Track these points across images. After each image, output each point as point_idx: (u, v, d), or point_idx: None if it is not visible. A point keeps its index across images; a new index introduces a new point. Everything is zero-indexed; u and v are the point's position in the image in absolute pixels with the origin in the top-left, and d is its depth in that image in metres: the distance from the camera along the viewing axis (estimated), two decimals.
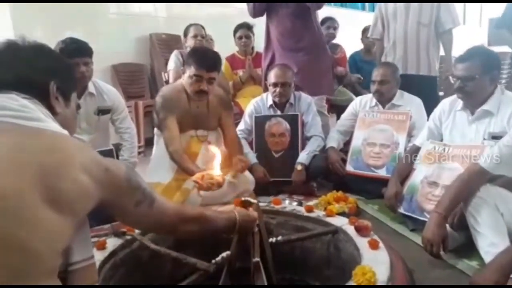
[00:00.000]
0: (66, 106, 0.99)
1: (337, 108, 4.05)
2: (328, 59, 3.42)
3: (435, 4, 3.10)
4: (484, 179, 1.76)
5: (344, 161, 2.86)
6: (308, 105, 3.00)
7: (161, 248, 1.51)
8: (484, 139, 2.05)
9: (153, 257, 1.56)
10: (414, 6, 3.12)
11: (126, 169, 0.94)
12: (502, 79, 5.45)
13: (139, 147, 3.53)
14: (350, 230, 1.57)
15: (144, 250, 1.56)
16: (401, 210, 2.24)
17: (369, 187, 2.69)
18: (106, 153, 2.23)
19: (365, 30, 4.22)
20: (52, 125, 0.88)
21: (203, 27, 3.60)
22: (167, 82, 3.78)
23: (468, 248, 1.81)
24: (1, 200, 0.73)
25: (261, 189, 2.70)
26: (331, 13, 4.55)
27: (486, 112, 2.05)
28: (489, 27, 7.88)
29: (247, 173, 2.57)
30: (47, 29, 3.86)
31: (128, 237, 1.56)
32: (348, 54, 4.49)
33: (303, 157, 2.83)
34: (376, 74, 2.83)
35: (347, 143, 2.99)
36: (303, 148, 2.90)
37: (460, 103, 2.18)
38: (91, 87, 2.54)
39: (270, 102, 3.00)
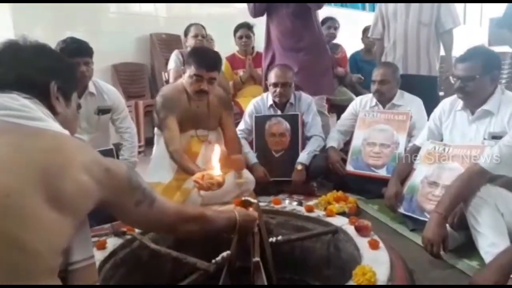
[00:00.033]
0: (67, 106, 0.99)
1: (337, 108, 4.05)
2: (328, 59, 3.43)
3: (436, 4, 3.10)
4: (484, 179, 1.76)
5: (344, 161, 2.86)
6: (308, 105, 3.00)
7: (161, 247, 1.51)
8: (484, 139, 2.05)
9: (153, 256, 1.56)
10: (414, 6, 3.12)
11: (126, 169, 0.94)
12: (502, 79, 5.45)
13: (139, 146, 3.53)
14: (350, 230, 1.57)
15: (144, 250, 1.56)
16: (401, 210, 2.24)
17: (369, 187, 2.69)
18: (106, 153, 2.23)
19: (365, 30, 4.22)
20: (53, 125, 0.88)
21: (203, 27, 3.60)
22: (167, 81, 3.79)
23: (468, 248, 1.81)
24: (3, 199, 0.73)
25: (261, 188, 2.70)
26: (331, 13, 4.55)
27: (486, 112, 2.05)
28: (490, 27, 7.88)
29: (247, 173, 2.57)
30: (47, 29, 3.87)
31: (128, 237, 1.56)
32: (348, 54, 4.49)
33: (303, 157, 2.83)
34: (376, 74, 2.83)
35: (347, 143, 2.99)
36: (303, 148, 2.90)
37: (460, 103, 2.18)
38: (91, 87, 2.54)
39: (270, 102, 3.00)
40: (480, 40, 6.52)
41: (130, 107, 3.77)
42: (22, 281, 0.74)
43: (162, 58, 4.50)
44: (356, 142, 2.87)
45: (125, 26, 4.56)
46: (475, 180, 1.76)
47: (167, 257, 1.51)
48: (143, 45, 4.68)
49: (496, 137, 1.96)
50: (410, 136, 2.69)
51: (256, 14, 3.30)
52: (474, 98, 2.07)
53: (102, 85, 2.64)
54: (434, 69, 3.23)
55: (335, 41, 4.32)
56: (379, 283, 1.19)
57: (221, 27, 4.40)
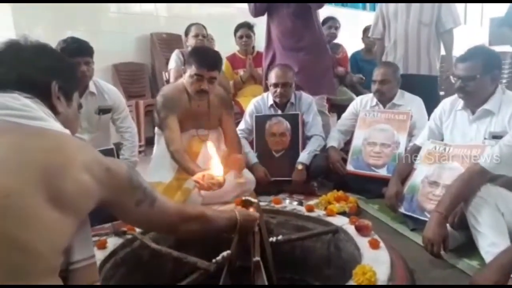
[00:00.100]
0: (68, 106, 0.99)
1: (337, 108, 4.05)
2: (328, 59, 3.43)
3: (436, 4, 3.10)
4: (485, 179, 1.76)
5: (344, 160, 2.86)
6: (309, 104, 3.00)
7: (161, 247, 1.52)
8: (485, 138, 2.04)
9: (153, 256, 1.56)
10: (415, 5, 3.12)
11: (127, 169, 0.95)
12: (503, 79, 5.44)
13: (140, 146, 3.54)
14: (351, 229, 1.57)
15: (144, 249, 1.56)
16: (402, 209, 2.24)
17: (369, 186, 2.69)
18: (107, 152, 2.23)
19: (366, 30, 4.22)
20: (54, 124, 0.88)
21: (204, 27, 3.60)
22: (167, 81, 3.79)
23: (469, 248, 1.81)
24: (3, 199, 0.73)
25: (262, 188, 2.70)
26: (331, 12, 4.55)
27: (487, 111, 2.05)
28: (490, 27, 7.86)
29: (247, 172, 2.58)
30: (48, 28, 3.87)
31: (129, 236, 1.57)
32: (349, 54, 4.49)
33: (304, 156, 2.83)
34: (377, 74, 2.83)
35: (348, 143, 2.99)
36: (303, 148, 2.90)
37: (460, 102, 2.18)
38: (92, 87, 2.54)
39: (270, 101, 3.00)
40: (480, 40, 6.51)
41: (130, 107, 3.78)
42: (22, 281, 0.74)
43: (162, 58, 4.50)
44: (356, 141, 2.87)
45: (126, 26, 4.56)
46: (475, 179, 1.76)
47: (168, 256, 1.51)
48: (144, 44, 4.68)
49: (496, 136, 1.96)
50: (410, 135, 2.69)
51: (256, 13, 3.30)
52: (475, 97, 2.07)
53: (103, 84, 2.64)
54: (435, 68, 3.22)
55: (335, 41, 4.32)
56: (379, 282, 1.19)
57: (222, 26, 4.40)
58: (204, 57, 2.33)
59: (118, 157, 2.55)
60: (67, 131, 0.91)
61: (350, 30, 4.95)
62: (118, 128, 2.72)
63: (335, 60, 4.06)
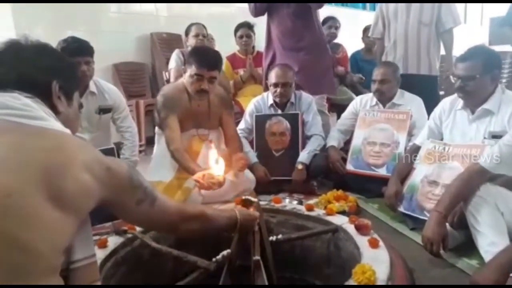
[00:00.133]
0: (69, 105, 0.99)
1: (337, 107, 4.05)
2: (329, 59, 3.43)
3: (436, 4, 3.10)
4: (484, 178, 1.76)
5: (344, 160, 2.86)
6: (309, 104, 3.01)
7: (162, 246, 1.52)
8: (485, 138, 2.05)
9: (154, 255, 1.57)
10: (415, 5, 3.12)
11: (127, 168, 0.95)
12: (502, 78, 5.45)
13: (140, 145, 3.54)
14: (350, 228, 1.57)
15: (145, 249, 1.56)
16: (401, 209, 2.24)
17: (369, 186, 2.69)
18: (107, 152, 2.24)
19: (366, 30, 4.22)
20: (55, 124, 0.89)
21: (204, 26, 3.61)
22: (168, 81, 3.79)
23: (468, 247, 1.81)
24: (4, 198, 0.73)
25: (262, 188, 2.71)
26: (332, 12, 4.55)
27: (486, 111, 2.05)
28: (490, 27, 7.86)
29: (247, 172, 2.58)
30: (48, 28, 3.88)
31: (129, 236, 1.57)
32: (349, 54, 4.49)
33: (304, 156, 2.84)
34: (377, 74, 2.83)
35: (348, 142, 2.99)
36: (303, 147, 2.90)
37: (460, 102, 2.18)
38: (92, 86, 2.55)
39: (270, 101, 3.00)
40: (480, 40, 6.51)
41: (131, 106, 3.78)
42: (22, 281, 0.74)
43: (162, 58, 4.51)
44: (356, 141, 2.87)
45: (126, 26, 4.57)
46: (475, 179, 1.77)
47: (168, 255, 1.51)
48: (144, 44, 4.69)
49: (496, 136, 1.96)
50: (410, 135, 2.70)
51: (256, 13, 3.31)
52: (475, 97, 2.07)
53: (103, 84, 2.65)
54: (435, 68, 3.23)
55: (335, 41, 4.32)
56: (379, 281, 1.19)
57: (222, 26, 4.40)
58: (204, 57, 2.33)
59: (118, 156, 2.55)
60: (68, 131, 0.91)
61: (350, 30, 4.96)
62: (118, 127, 2.73)
63: (335, 60, 4.06)
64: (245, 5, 3.39)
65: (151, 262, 1.59)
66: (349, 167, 2.83)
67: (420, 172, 2.21)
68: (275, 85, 2.90)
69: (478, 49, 2.10)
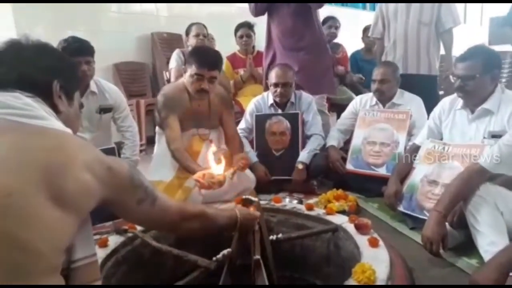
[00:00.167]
0: (69, 105, 0.99)
1: (337, 107, 4.05)
2: (329, 58, 3.43)
3: (436, 4, 3.10)
4: (484, 178, 1.76)
5: (344, 159, 2.86)
6: (309, 104, 3.01)
7: (162, 245, 1.52)
8: (484, 138, 2.05)
9: (154, 254, 1.57)
10: (415, 5, 3.12)
11: (128, 167, 0.95)
12: (502, 78, 5.45)
13: (141, 145, 3.54)
14: (350, 228, 1.57)
15: (145, 248, 1.57)
16: (401, 208, 2.24)
17: (369, 185, 2.70)
18: (108, 151, 2.24)
19: (365, 29, 4.22)
20: (55, 123, 0.89)
21: (205, 26, 3.61)
22: (168, 81, 3.80)
23: (468, 247, 1.81)
24: (5, 198, 0.73)
25: (262, 187, 2.71)
26: (332, 12, 4.55)
27: (486, 111, 2.05)
28: (490, 26, 7.86)
29: (248, 171, 2.58)
30: (48, 28, 3.88)
31: (130, 235, 1.57)
32: (349, 53, 4.49)
33: (304, 156, 2.84)
34: (377, 73, 2.84)
35: (348, 142, 3.00)
36: (303, 147, 2.91)
37: (460, 102, 2.18)
38: (93, 86, 2.55)
39: (271, 101, 3.01)
40: (480, 39, 6.52)
41: (131, 106, 3.78)
42: (23, 280, 0.74)
43: (163, 57, 4.51)
44: (356, 141, 2.88)
45: (126, 25, 4.57)
46: (475, 179, 1.77)
47: (169, 254, 1.52)
48: (144, 44, 4.69)
49: (496, 136, 1.96)
50: (410, 135, 2.70)
51: (257, 13, 3.31)
52: (474, 97, 2.07)
53: (104, 84, 2.65)
54: (434, 68, 3.23)
55: (335, 41, 4.32)
56: (378, 281, 1.19)
57: (222, 26, 4.40)
58: (205, 57, 2.33)
59: (119, 156, 2.56)
60: (69, 130, 0.91)
61: (350, 29, 4.96)
62: (119, 127, 2.73)
63: (335, 60, 4.06)
64: (245, 5, 3.39)
65: (151, 261, 1.59)
66: (349, 166, 2.83)
67: (420, 171, 2.22)
68: (275, 85, 2.90)
69: (477, 49, 2.11)
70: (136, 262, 1.56)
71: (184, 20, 3.94)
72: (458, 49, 2.68)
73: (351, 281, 1.18)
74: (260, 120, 2.97)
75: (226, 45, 4.04)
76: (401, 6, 3.17)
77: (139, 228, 1.57)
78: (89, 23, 4.21)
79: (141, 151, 3.37)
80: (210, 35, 3.88)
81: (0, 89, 0.87)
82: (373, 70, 2.91)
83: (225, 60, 3.66)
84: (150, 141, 3.41)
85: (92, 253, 0.91)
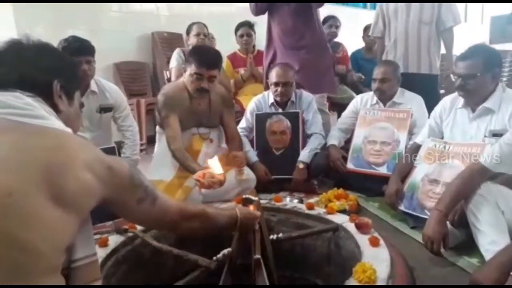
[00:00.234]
0: (70, 105, 0.99)
1: (338, 106, 4.05)
2: (329, 57, 3.43)
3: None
4: (485, 177, 1.76)
5: (345, 159, 2.86)
6: (309, 103, 3.01)
7: (163, 245, 1.52)
8: (485, 136, 2.04)
9: (155, 254, 1.57)
10: (415, 4, 3.11)
11: (128, 167, 0.95)
12: (503, 77, 5.44)
13: (141, 144, 3.55)
14: (351, 227, 1.57)
15: (146, 247, 1.57)
16: (402, 207, 2.24)
17: (369, 184, 2.70)
18: (108, 151, 2.24)
19: (366, 28, 4.22)
20: (56, 123, 0.89)
21: (205, 26, 3.61)
22: (169, 80, 3.80)
23: (469, 246, 1.81)
24: (5, 198, 0.73)
25: (262, 186, 2.71)
26: (332, 11, 4.55)
27: (487, 109, 2.05)
28: (491, 25, 7.86)
29: (248, 170, 2.58)
30: (49, 28, 3.88)
31: (130, 234, 1.57)
32: (349, 52, 4.49)
33: (305, 155, 2.84)
34: (377, 72, 2.83)
35: (348, 141, 2.99)
36: (303, 146, 2.91)
37: (461, 100, 2.18)
38: (93, 85, 2.55)
39: (271, 100, 3.01)
40: (481, 38, 6.51)
41: (132, 105, 3.78)
42: (23, 280, 0.74)
43: (163, 57, 4.52)
44: (356, 140, 2.87)
45: (127, 25, 4.57)
46: (475, 178, 1.77)
47: (169, 254, 1.52)
48: (145, 43, 4.69)
49: (496, 135, 1.96)
50: (410, 134, 2.69)
51: (257, 12, 3.31)
52: (475, 96, 2.07)
53: (104, 83, 2.65)
54: (435, 67, 3.22)
55: (336, 40, 4.32)
56: (379, 280, 1.19)
57: (222, 25, 4.40)
58: (204, 56, 2.33)
59: (119, 155, 2.55)
60: (69, 130, 0.91)
61: (351, 28, 4.96)
62: (119, 126, 2.73)
63: (336, 59, 4.06)
64: (246, 4, 3.39)
65: (151, 261, 1.59)
66: (350, 165, 2.83)
67: (421, 170, 2.21)
68: (276, 84, 2.90)
69: (478, 47, 2.10)
70: (136, 262, 1.56)
71: (185, 19, 3.94)
72: (458, 48, 2.68)
73: (351, 281, 1.18)
74: (261, 119, 2.97)
75: (227, 44, 4.04)
76: (402, 5, 3.16)
77: (139, 227, 1.57)
78: (89, 23, 4.21)
79: (141, 150, 3.37)
80: (211, 35, 3.88)
81: (0, 89, 0.87)
82: (373, 69, 2.91)
83: (225, 60, 3.66)
84: (151, 141, 3.42)
85: (92, 252, 0.91)
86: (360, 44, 4.56)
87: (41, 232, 0.75)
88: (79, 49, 2.34)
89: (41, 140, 0.82)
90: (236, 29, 3.91)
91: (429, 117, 2.46)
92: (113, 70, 4.38)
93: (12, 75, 0.90)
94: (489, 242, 1.64)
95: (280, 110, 2.99)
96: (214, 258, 1.38)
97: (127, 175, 0.93)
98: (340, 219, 1.69)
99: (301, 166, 2.81)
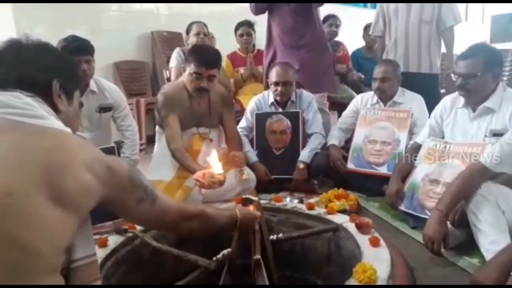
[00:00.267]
0: (69, 104, 0.99)
1: (338, 106, 4.05)
2: (329, 57, 3.43)
3: None
4: (485, 177, 1.76)
5: (345, 158, 2.86)
6: (309, 102, 3.01)
7: (162, 245, 1.52)
8: (486, 136, 2.04)
9: (154, 254, 1.57)
10: (415, 3, 3.11)
11: (128, 167, 0.95)
12: (504, 76, 5.44)
13: (141, 144, 3.54)
14: (351, 227, 1.57)
15: (145, 248, 1.56)
16: (402, 207, 2.24)
17: (370, 184, 2.69)
18: (108, 151, 2.23)
19: (366, 28, 4.21)
20: (55, 123, 0.89)
21: (205, 25, 3.60)
22: (168, 79, 3.79)
23: (469, 246, 1.81)
24: (4, 198, 0.73)
25: (262, 186, 2.71)
26: (332, 10, 4.54)
27: (487, 109, 2.05)
28: (491, 24, 7.85)
29: (248, 170, 2.58)
30: (48, 27, 3.88)
31: (130, 235, 1.57)
32: (349, 52, 4.49)
33: (305, 155, 2.84)
34: (378, 72, 2.83)
35: (348, 141, 2.99)
36: (304, 146, 2.90)
37: (461, 100, 2.17)
38: (92, 85, 2.55)
39: (271, 99, 3.00)
40: (481, 37, 6.51)
41: (131, 105, 3.78)
42: (23, 280, 0.74)
43: (163, 56, 4.51)
44: (357, 139, 2.87)
45: (126, 24, 4.57)
46: (476, 177, 1.76)
47: (168, 254, 1.52)
48: (145, 43, 4.69)
49: (497, 134, 1.96)
50: (411, 133, 2.69)
51: (257, 11, 3.30)
52: (476, 95, 2.07)
53: (104, 83, 2.65)
54: (435, 66, 3.22)
55: (336, 39, 4.32)
56: (379, 280, 1.19)
57: (222, 24, 4.40)
58: (203, 55, 2.33)
59: (119, 155, 2.55)
60: (68, 130, 0.91)
61: (351, 28, 4.95)
62: (119, 126, 2.73)
63: (336, 58, 4.05)
64: (246, 4, 3.39)
65: (151, 261, 1.59)
66: (350, 165, 2.83)
67: (421, 170, 2.21)
68: (276, 83, 2.90)
69: (479, 47, 2.10)
70: (136, 262, 1.56)
71: (184, 18, 3.94)
72: (459, 47, 2.67)
73: (352, 281, 1.18)
74: (261, 118, 2.97)
75: (227, 43, 4.04)
76: (402, 4, 3.16)
77: (139, 228, 1.57)
78: (89, 22, 4.21)
79: (141, 150, 3.37)
80: (211, 34, 3.87)
81: (0, 89, 0.87)
82: (374, 68, 2.91)
83: (225, 59, 3.66)
84: (150, 140, 3.42)
85: (92, 252, 0.91)
86: (360, 43, 4.56)
87: (41, 232, 0.75)
88: (79, 48, 2.34)
89: (41, 140, 0.82)
90: (236, 29, 3.90)
91: (429, 117, 2.46)
92: (113, 69, 4.38)
93: (11, 74, 0.90)
94: (490, 242, 1.63)
95: (280, 110, 2.98)
96: (214, 258, 1.38)
97: (126, 175, 0.93)
98: (340, 219, 1.68)
99: (301, 166, 2.81)
